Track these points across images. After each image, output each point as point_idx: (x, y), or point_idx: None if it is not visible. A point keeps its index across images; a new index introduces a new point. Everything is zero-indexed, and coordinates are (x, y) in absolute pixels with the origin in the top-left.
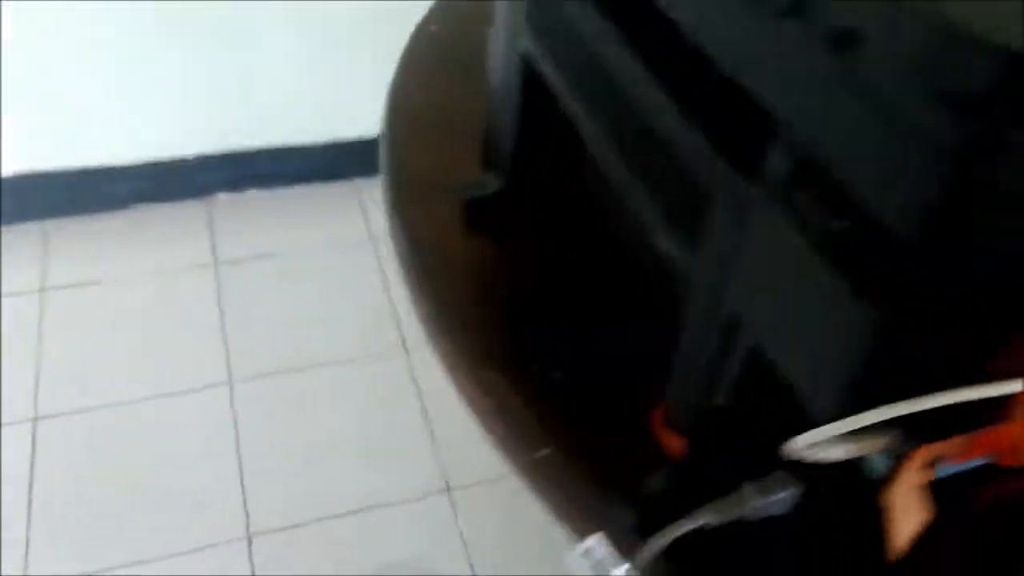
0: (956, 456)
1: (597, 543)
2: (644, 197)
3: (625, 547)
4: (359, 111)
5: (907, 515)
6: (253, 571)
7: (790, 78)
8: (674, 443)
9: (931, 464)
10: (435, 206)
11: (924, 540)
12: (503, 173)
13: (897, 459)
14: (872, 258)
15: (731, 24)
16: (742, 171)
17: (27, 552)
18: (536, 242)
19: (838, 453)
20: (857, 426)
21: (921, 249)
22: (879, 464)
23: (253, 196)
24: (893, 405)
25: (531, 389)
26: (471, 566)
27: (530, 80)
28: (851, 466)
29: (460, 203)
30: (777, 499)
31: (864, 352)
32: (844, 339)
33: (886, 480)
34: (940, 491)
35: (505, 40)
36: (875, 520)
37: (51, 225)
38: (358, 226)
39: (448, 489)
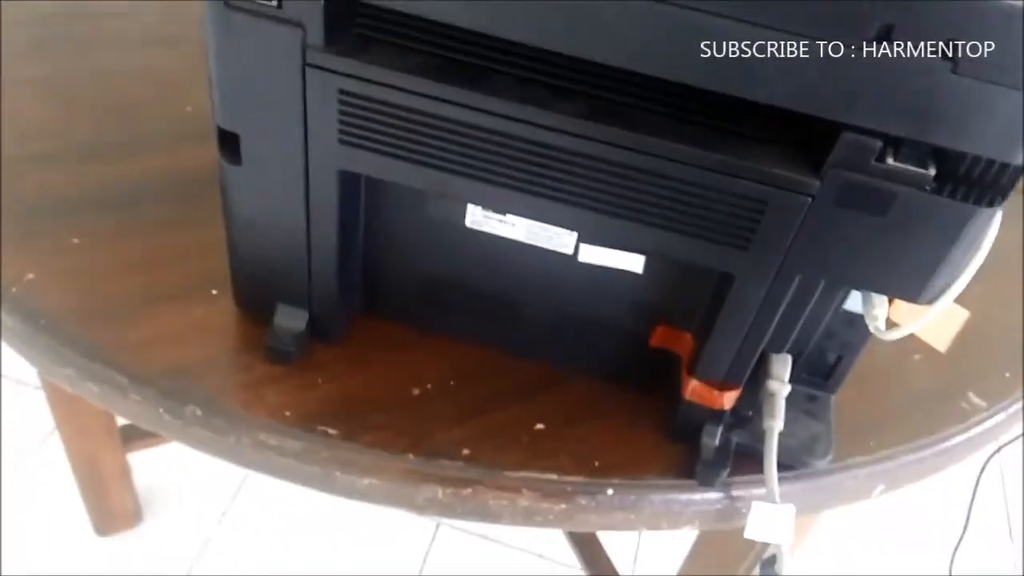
0: None
1: None
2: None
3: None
4: None
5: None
6: None
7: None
8: (715, 396)
9: None
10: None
11: None
12: (311, 298)
13: None
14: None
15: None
16: (806, 169)
17: None
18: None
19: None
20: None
21: None
22: None
23: None
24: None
25: None
26: None
27: (344, 196)
28: None
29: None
30: None
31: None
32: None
33: None
34: None
35: (313, 163)
36: None
37: None
38: None
39: None
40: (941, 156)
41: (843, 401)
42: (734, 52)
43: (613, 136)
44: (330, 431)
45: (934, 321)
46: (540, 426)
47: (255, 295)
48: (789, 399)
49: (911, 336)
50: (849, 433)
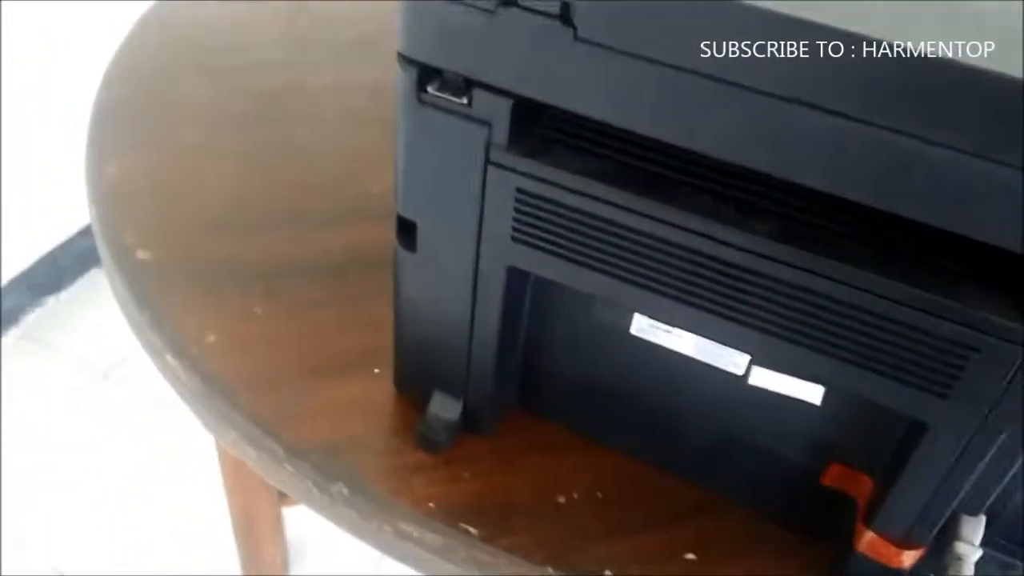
0: None
1: None
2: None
3: None
4: None
5: None
6: None
7: None
8: (893, 554)
9: None
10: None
11: None
12: (466, 389)
13: None
14: None
15: None
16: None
17: None
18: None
19: None
20: None
21: None
22: None
23: None
24: None
25: None
26: None
27: (512, 293)
28: None
29: (419, 442)
30: None
31: None
32: None
33: None
34: None
35: (484, 257)
36: None
37: None
38: None
39: None
40: None
41: None
42: (957, 186)
43: (804, 261)
44: (471, 530)
45: None
46: (691, 556)
47: (414, 379)
48: (978, 565)
49: None
50: None
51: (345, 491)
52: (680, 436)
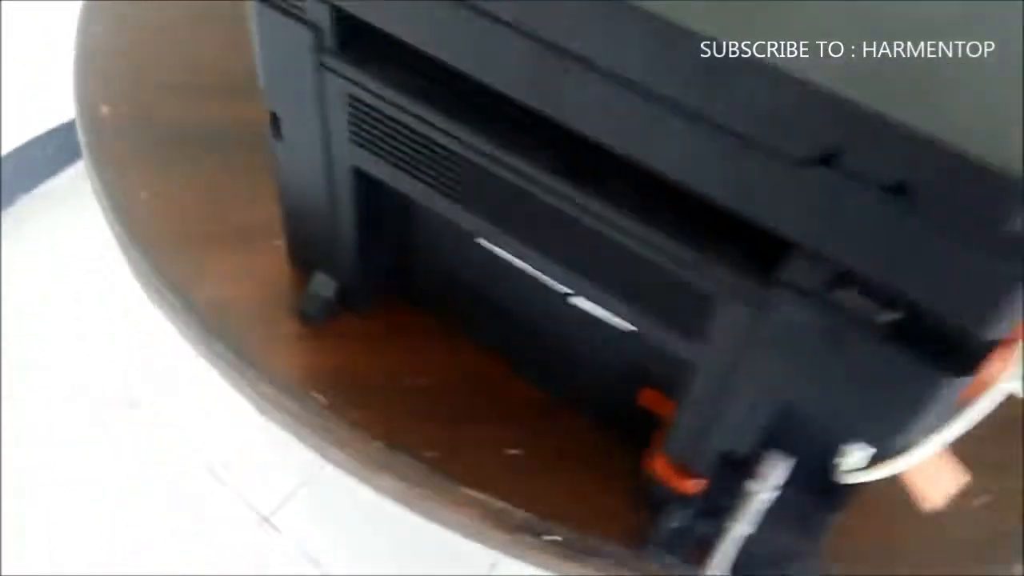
0: None
1: None
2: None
3: None
4: None
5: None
6: None
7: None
8: (677, 480)
9: None
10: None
11: None
12: (339, 271)
13: None
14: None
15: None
16: (754, 279)
17: None
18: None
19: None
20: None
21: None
22: None
23: None
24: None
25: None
26: None
27: (364, 188)
28: None
29: (296, 314)
30: None
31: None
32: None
33: None
34: None
35: (332, 155)
36: None
37: None
38: None
39: None
40: (906, 304)
41: (858, 527)
42: (674, 138)
43: (575, 196)
44: (321, 399)
45: (921, 474)
46: (515, 451)
47: (300, 256)
48: (782, 507)
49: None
50: (850, 564)
51: (224, 350)
52: (525, 341)
